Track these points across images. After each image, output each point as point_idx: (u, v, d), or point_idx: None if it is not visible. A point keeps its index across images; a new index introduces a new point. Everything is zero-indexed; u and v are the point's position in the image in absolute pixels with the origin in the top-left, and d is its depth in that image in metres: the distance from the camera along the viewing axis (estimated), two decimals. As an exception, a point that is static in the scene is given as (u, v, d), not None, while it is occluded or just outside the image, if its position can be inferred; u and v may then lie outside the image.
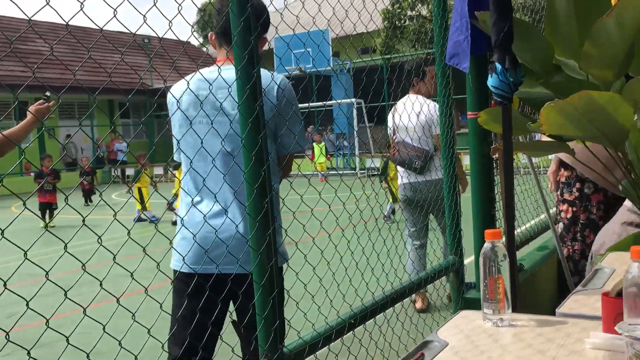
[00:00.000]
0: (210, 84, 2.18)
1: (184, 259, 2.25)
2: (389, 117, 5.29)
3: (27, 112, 3.07)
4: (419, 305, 4.78)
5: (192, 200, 2.34)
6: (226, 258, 2.17)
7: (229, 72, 2.15)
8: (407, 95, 5.11)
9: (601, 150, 2.65)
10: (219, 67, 2.22)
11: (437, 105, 3.45)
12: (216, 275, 2.14)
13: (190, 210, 2.31)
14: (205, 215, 2.23)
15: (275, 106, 2.27)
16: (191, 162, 2.31)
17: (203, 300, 2.14)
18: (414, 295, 4.64)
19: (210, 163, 2.26)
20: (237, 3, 1.91)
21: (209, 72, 2.35)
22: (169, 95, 2.39)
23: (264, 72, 2.20)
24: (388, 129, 5.26)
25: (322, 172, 18.19)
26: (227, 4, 2.07)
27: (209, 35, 2.43)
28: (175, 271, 2.37)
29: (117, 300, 1.74)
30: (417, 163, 4.85)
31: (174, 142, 2.41)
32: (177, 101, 2.35)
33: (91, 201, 16.18)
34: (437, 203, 4.69)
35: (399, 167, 5.12)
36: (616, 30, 2.08)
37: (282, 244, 2.31)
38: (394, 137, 5.15)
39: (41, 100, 3.05)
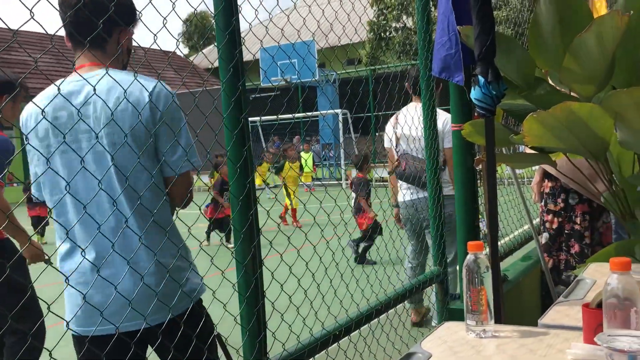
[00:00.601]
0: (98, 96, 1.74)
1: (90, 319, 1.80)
2: (388, 127, 4.84)
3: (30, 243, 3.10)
4: (413, 318, 4.59)
5: (62, 248, 1.89)
6: (120, 315, 1.78)
7: (96, 80, 1.74)
8: (407, 104, 4.71)
9: (584, 162, 2.69)
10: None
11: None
12: (117, 335, 1.77)
13: (67, 261, 1.87)
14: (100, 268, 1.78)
15: (149, 117, 1.80)
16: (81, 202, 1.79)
17: None
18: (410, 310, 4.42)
19: (88, 203, 1.78)
20: (222, 16, 1.92)
21: (70, 83, 1.83)
22: (21, 120, 1.91)
23: (128, 78, 1.80)
24: (387, 140, 4.81)
25: (307, 184, 18.15)
26: None
27: (65, 38, 1.90)
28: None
29: (101, 313, 1.73)
30: (425, 177, 4.42)
31: (31, 176, 1.93)
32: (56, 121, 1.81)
33: None
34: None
35: (401, 183, 4.64)
36: (596, 45, 2.12)
37: (189, 281, 1.94)
38: (397, 149, 4.70)
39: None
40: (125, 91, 1.75)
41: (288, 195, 11.39)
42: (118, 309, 1.77)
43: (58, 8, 1.82)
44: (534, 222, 3.95)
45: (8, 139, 3.37)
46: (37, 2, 1.41)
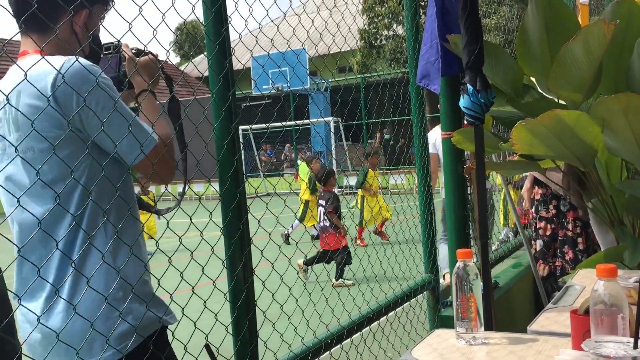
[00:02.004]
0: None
1: None
2: (432, 134, 5.39)
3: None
4: None
5: None
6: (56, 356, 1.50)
7: (16, 70, 1.44)
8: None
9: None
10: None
11: None
12: None
13: None
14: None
15: (60, 110, 1.42)
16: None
17: None
18: None
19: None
20: (212, 27, 1.93)
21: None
22: None
23: (45, 65, 1.42)
24: (431, 146, 5.29)
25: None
26: None
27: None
28: None
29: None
30: None
31: None
32: None
33: None
34: None
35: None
36: (583, 53, 2.14)
37: (152, 303, 1.61)
38: None
39: None
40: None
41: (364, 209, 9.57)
42: (52, 350, 1.49)
43: None
44: (527, 229, 3.97)
45: None
46: None
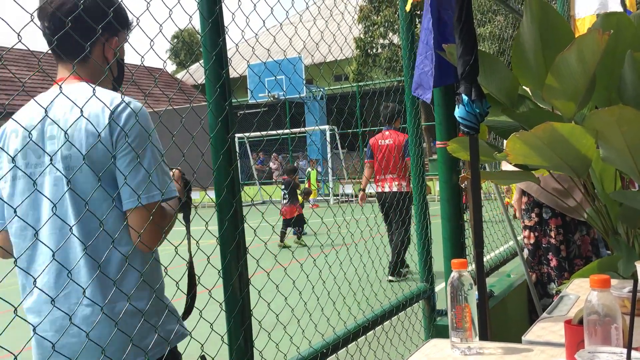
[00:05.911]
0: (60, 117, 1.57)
1: None
2: None
3: None
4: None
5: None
6: None
7: (64, 96, 1.56)
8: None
9: (551, 178, 2.73)
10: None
11: None
12: None
13: (23, 298, 1.66)
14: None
15: (108, 140, 1.55)
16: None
17: None
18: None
19: (31, 237, 1.60)
20: (209, 37, 1.94)
21: (45, 99, 1.65)
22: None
23: (96, 94, 1.55)
24: None
25: (312, 199, 18.10)
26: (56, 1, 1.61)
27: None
28: None
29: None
30: None
31: None
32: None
33: None
34: None
35: None
36: (577, 63, 2.16)
37: (150, 333, 1.66)
38: None
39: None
40: (81, 109, 1.51)
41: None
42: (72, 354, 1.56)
43: (41, 16, 1.62)
44: (519, 238, 4.00)
45: None
46: (25, 25, 1.42)
